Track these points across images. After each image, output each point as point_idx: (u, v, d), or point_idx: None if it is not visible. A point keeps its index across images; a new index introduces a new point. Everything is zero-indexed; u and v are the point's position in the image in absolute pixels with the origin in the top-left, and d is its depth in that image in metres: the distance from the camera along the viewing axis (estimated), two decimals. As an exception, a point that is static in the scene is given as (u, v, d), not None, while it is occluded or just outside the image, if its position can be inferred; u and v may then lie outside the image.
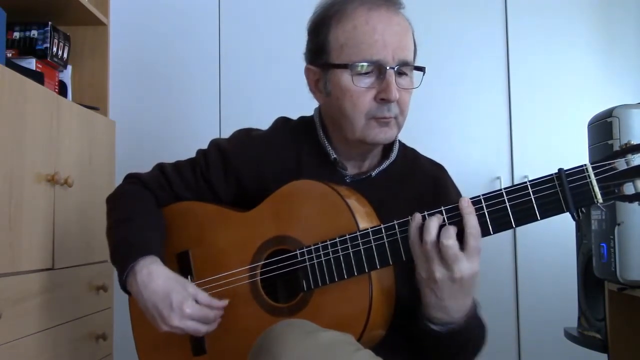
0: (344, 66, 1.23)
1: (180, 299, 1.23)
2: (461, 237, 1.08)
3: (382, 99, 1.22)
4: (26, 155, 1.63)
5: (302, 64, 1.36)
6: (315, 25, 1.30)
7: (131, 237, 1.30)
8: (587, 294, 2.04)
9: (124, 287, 1.30)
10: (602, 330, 1.92)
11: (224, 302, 1.26)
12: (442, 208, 1.10)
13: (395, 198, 1.31)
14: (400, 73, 1.24)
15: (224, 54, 2.73)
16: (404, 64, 1.23)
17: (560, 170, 1.05)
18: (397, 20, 1.24)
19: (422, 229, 1.10)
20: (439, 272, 1.08)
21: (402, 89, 1.23)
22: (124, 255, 1.28)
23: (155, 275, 1.25)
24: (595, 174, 1.04)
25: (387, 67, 1.21)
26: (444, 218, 1.10)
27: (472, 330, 1.18)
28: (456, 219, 1.09)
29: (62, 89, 2.16)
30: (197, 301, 1.25)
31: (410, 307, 1.25)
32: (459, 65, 2.68)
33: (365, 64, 1.22)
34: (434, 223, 1.09)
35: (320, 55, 1.28)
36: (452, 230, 1.08)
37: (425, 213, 1.11)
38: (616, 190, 1.03)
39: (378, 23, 1.22)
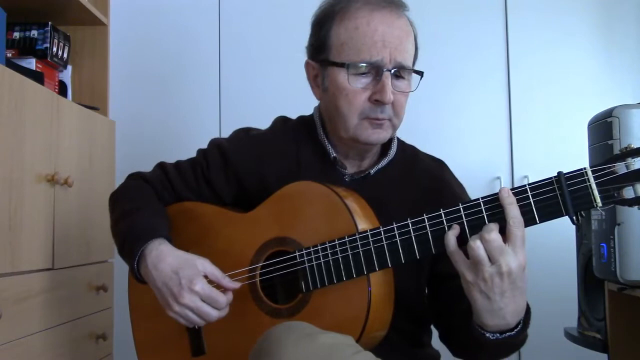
0: (342, 65, 1.23)
1: (189, 275, 1.21)
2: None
3: (377, 100, 1.22)
4: (26, 155, 1.62)
5: (302, 64, 1.36)
6: (318, 20, 1.30)
7: (138, 225, 1.29)
8: (587, 294, 2.04)
9: (138, 276, 1.27)
10: (602, 330, 1.92)
11: (236, 284, 1.24)
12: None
13: (395, 196, 1.30)
14: (397, 76, 1.24)
15: (224, 54, 2.73)
16: (401, 66, 1.23)
17: (559, 173, 1.05)
18: (399, 23, 1.24)
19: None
20: (487, 270, 1.05)
21: (397, 92, 1.24)
22: (133, 244, 1.26)
23: (164, 255, 1.23)
24: (595, 178, 1.02)
25: (384, 69, 1.21)
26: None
27: (524, 335, 1.16)
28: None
29: (62, 89, 2.15)
30: (206, 276, 1.22)
31: (410, 309, 1.25)
32: (458, 65, 2.68)
33: (363, 64, 1.22)
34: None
35: (321, 51, 1.29)
36: (492, 225, 1.05)
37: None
38: (616, 194, 1.02)
39: (379, 24, 1.22)
